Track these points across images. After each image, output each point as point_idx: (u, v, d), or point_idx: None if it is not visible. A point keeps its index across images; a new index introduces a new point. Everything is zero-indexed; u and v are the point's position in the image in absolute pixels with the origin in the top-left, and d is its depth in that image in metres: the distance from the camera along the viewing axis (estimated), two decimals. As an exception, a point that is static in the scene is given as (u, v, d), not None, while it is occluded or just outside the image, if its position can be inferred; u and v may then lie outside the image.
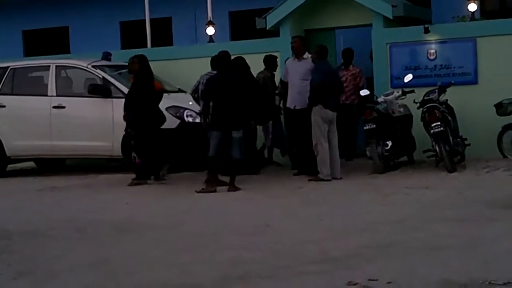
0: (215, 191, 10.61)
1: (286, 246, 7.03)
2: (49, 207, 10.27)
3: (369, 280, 5.73)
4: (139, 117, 11.62)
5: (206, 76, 11.64)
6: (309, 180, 11.24)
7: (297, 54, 11.71)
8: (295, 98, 11.61)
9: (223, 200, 10.10)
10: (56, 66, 13.98)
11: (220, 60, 11.03)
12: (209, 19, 15.85)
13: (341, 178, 11.29)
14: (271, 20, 14.05)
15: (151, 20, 16.63)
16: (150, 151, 11.70)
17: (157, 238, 7.78)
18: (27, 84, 14.25)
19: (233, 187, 10.72)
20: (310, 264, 6.31)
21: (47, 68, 14.08)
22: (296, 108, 11.61)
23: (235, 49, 13.68)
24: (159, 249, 7.20)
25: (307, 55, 11.64)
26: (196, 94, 11.96)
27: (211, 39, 15.72)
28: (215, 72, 11.43)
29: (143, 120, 11.63)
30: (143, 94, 11.68)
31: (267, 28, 14.13)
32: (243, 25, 17.34)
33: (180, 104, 12.92)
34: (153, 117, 11.74)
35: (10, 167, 14.49)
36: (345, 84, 12.40)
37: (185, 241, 7.52)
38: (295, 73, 11.62)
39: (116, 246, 7.50)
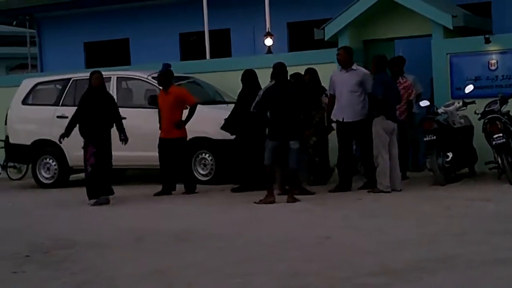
0: (273, 201, 10.62)
1: (346, 258, 6.99)
2: (109, 217, 10.40)
3: (430, 293, 5.68)
4: (107, 134, 11.63)
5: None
6: (369, 191, 11.17)
7: (344, 65, 11.53)
8: (343, 110, 11.39)
9: (282, 211, 10.09)
10: (117, 77, 14.18)
11: (276, 71, 11.07)
12: (267, 30, 15.91)
13: (400, 190, 11.18)
14: (330, 30, 14.03)
15: (210, 32, 16.76)
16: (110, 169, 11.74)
17: (216, 248, 7.80)
18: (89, 95, 14.47)
19: (292, 198, 10.72)
20: (370, 276, 6.26)
21: (108, 79, 14.25)
22: (344, 120, 11.44)
23: (293, 60, 13.70)
24: (219, 260, 7.22)
25: (355, 66, 11.47)
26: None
27: (269, 50, 15.77)
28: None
29: (108, 136, 11.64)
30: (112, 109, 11.71)
31: (325, 39, 14.11)
32: (301, 36, 17.36)
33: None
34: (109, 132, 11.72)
35: (73, 177, 14.73)
36: None
37: (244, 252, 7.53)
38: (343, 85, 11.40)
39: (176, 256, 7.54)
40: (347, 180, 11.48)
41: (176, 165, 12.25)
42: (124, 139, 11.78)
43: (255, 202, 10.68)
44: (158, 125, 12.45)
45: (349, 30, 13.96)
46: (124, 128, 11.82)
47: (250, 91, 12.02)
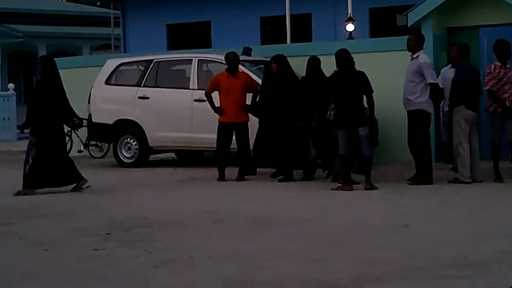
0: (352, 189, 10.57)
1: (425, 248, 6.90)
2: (188, 198, 10.51)
3: (512, 287, 5.58)
4: (46, 123, 10.97)
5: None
6: (449, 181, 11.00)
7: (412, 52, 11.11)
8: (403, 99, 11.11)
9: (359, 198, 10.04)
10: (198, 60, 14.28)
11: (339, 58, 10.98)
12: (349, 16, 15.79)
13: (481, 181, 10.99)
14: (413, 17, 13.84)
15: (291, 16, 16.72)
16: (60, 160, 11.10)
17: (293, 233, 7.81)
18: (170, 77, 14.65)
19: (369, 185, 10.66)
20: (449, 267, 6.18)
21: (189, 61, 14.41)
22: (407, 110, 11.12)
23: (374, 46, 13.60)
24: (295, 245, 7.23)
25: (418, 53, 10.97)
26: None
27: (350, 35, 15.66)
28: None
29: (50, 125, 11.00)
30: (47, 97, 10.98)
31: (408, 25, 13.93)
32: (383, 22, 17.18)
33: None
34: (59, 121, 11.16)
35: (152, 157, 14.94)
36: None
37: (321, 238, 7.52)
38: (406, 73, 11.09)
39: (253, 239, 7.57)
40: (424, 172, 11.04)
41: (248, 148, 12.20)
42: (73, 126, 11.42)
43: (332, 189, 10.66)
44: (217, 110, 12.28)
45: (432, 17, 13.74)
46: (73, 114, 11.33)
47: (282, 75, 11.93)
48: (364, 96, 10.90)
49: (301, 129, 11.63)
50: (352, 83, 10.75)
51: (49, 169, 11.01)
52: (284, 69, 12.05)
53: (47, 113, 11.00)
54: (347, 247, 7.06)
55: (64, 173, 11.14)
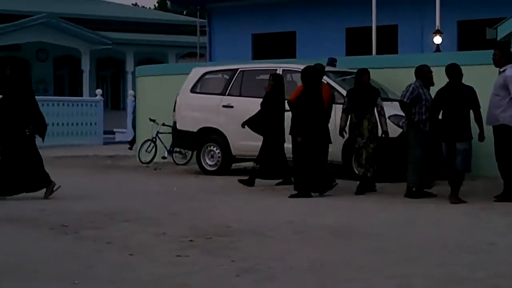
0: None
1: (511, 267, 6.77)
2: (269, 207, 10.54)
3: None
4: (10, 129, 10.88)
5: (414, 85, 11.41)
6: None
7: (497, 66, 10.93)
8: (487, 114, 10.90)
9: (443, 212, 9.90)
10: (283, 70, 14.29)
11: (450, 71, 10.87)
12: (436, 28, 15.61)
13: None
14: (503, 30, 13.61)
15: (377, 27, 16.62)
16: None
17: (375, 246, 7.75)
18: (254, 86, 14.69)
19: (455, 199, 10.54)
20: (538, 288, 6.04)
21: (273, 71, 14.44)
22: (487, 124, 10.89)
23: (462, 59, 13.32)
24: (377, 258, 7.17)
25: (505, 67, 10.75)
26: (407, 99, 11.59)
27: (437, 48, 15.48)
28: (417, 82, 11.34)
29: (14, 131, 10.89)
30: (15, 103, 10.86)
31: (498, 39, 13.69)
32: (472, 35, 16.91)
33: (402, 113, 12.77)
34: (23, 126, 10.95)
35: (235, 165, 15.04)
36: None
37: (404, 253, 7.43)
38: (493, 87, 10.91)
39: (334, 251, 7.55)
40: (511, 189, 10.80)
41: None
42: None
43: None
44: None
45: (523, 31, 13.48)
46: (35, 122, 11.03)
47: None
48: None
49: (302, 145, 11.48)
50: (460, 97, 10.65)
51: (17, 175, 10.87)
52: (276, 88, 12.31)
53: (12, 118, 10.88)
54: (430, 263, 6.96)
55: (32, 178, 10.94)
